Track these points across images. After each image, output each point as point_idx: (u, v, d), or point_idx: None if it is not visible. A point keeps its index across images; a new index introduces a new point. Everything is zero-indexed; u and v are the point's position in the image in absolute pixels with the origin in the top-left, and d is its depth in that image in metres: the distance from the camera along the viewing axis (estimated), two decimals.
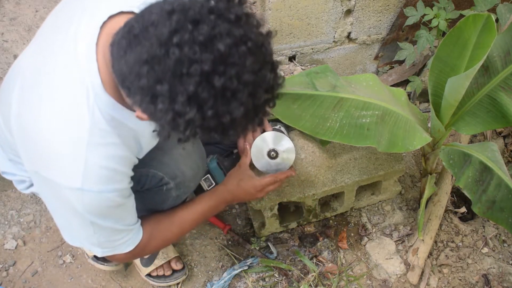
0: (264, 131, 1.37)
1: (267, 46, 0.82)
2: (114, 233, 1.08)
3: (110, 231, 1.07)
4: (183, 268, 1.59)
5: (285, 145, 1.36)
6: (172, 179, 1.27)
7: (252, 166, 1.38)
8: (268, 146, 1.35)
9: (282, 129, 1.44)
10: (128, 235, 1.12)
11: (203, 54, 0.73)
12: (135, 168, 1.21)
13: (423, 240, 1.60)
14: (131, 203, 1.11)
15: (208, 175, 1.47)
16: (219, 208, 1.34)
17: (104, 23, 0.92)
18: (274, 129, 1.39)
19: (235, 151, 1.62)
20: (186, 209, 1.29)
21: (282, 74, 2.07)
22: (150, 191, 1.29)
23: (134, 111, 0.95)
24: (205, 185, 1.48)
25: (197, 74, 0.73)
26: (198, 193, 1.52)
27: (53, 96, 0.94)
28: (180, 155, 1.28)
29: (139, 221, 1.16)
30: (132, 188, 1.24)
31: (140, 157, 1.11)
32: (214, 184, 1.48)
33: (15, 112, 0.98)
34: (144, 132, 1.07)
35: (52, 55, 0.97)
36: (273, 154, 1.36)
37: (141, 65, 0.76)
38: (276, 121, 1.56)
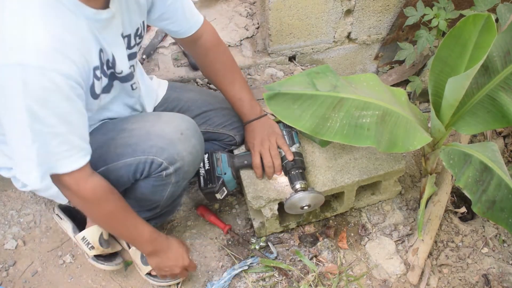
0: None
1: None
2: (53, 137, 1.04)
3: (49, 133, 1.03)
4: None
5: (317, 198, 1.50)
6: (172, 164, 1.27)
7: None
8: (305, 201, 1.49)
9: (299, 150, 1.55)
10: (69, 148, 1.07)
11: None
12: (134, 156, 1.22)
13: (423, 240, 1.60)
14: (79, 105, 1.07)
15: (224, 187, 1.52)
16: (145, 245, 1.36)
17: None
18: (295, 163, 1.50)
19: (233, 148, 1.63)
20: (138, 219, 1.30)
21: (282, 74, 2.07)
22: (149, 178, 1.30)
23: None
24: (219, 196, 1.53)
25: None
26: (210, 199, 1.55)
27: None
28: (178, 139, 1.28)
29: (90, 153, 1.13)
30: (131, 177, 1.26)
31: (86, 61, 1.09)
32: (226, 192, 1.53)
33: None
34: (91, 28, 1.08)
35: None
36: (305, 208, 1.51)
37: None
38: (278, 122, 1.57)
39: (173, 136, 1.28)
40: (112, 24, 1.15)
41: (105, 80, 1.20)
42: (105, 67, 1.18)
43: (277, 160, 1.50)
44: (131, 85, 1.32)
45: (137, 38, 1.31)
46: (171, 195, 1.38)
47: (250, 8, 2.17)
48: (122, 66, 1.24)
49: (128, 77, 1.29)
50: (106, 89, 1.24)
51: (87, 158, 1.12)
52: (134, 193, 1.38)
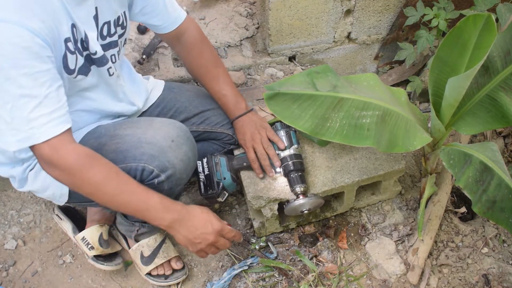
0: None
1: None
2: (27, 102, 1.01)
3: (22, 96, 1.00)
4: (183, 267, 1.58)
5: (317, 202, 1.51)
6: (163, 171, 1.27)
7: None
8: (305, 207, 1.49)
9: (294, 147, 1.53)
10: (45, 114, 1.03)
11: None
12: (125, 163, 1.20)
13: (423, 240, 1.60)
14: (51, 67, 1.04)
15: (224, 191, 1.52)
16: (160, 215, 1.19)
17: None
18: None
19: (232, 147, 1.63)
20: (140, 186, 1.18)
21: (282, 74, 2.07)
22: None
23: None
24: (220, 199, 1.53)
25: None
26: (211, 202, 1.55)
27: None
28: (169, 147, 1.28)
29: (70, 121, 1.09)
30: None
31: (56, 27, 1.08)
32: (227, 194, 1.53)
33: None
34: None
35: None
36: (305, 212, 1.52)
37: None
38: (277, 122, 1.57)
39: (164, 143, 1.27)
40: (85, 3, 1.15)
41: (80, 59, 1.19)
42: (79, 45, 1.17)
43: (270, 150, 1.50)
44: (108, 70, 1.30)
45: (119, 28, 1.31)
46: None
47: (250, 8, 2.17)
48: (96, 46, 1.22)
49: (103, 60, 1.26)
50: (83, 71, 1.21)
51: (67, 125, 1.08)
52: None
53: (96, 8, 1.20)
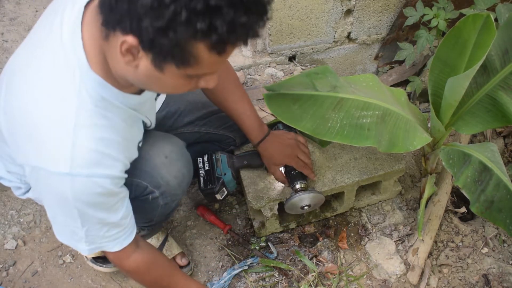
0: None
1: None
2: (103, 226, 1.05)
3: (99, 223, 1.04)
4: (188, 264, 1.58)
5: (317, 198, 1.50)
6: (156, 188, 1.25)
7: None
8: (305, 202, 1.49)
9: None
10: (118, 231, 1.09)
11: None
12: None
13: (423, 240, 1.60)
14: (124, 194, 1.08)
15: (224, 188, 1.50)
16: None
17: (88, 3, 0.91)
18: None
19: (231, 148, 1.63)
20: (185, 281, 1.31)
21: (282, 74, 2.07)
22: (137, 199, 1.27)
23: (121, 90, 0.95)
24: (219, 196, 1.52)
25: None
26: (210, 199, 1.54)
27: (40, 80, 0.92)
28: (162, 163, 1.25)
29: (135, 226, 1.15)
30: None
31: (133, 143, 1.10)
32: (226, 192, 1.52)
33: (2, 105, 0.97)
34: (134, 113, 1.06)
35: (38, 44, 0.96)
36: (306, 208, 1.51)
37: None
38: (278, 122, 1.57)
39: (157, 160, 1.25)
40: (149, 99, 1.15)
41: None
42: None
43: (308, 159, 1.50)
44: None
45: None
46: (162, 214, 1.36)
47: None
48: (153, 122, 1.24)
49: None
50: None
51: (132, 237, 1.13)
52: None
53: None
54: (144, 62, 0.83)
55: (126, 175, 1.06)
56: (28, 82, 0.94)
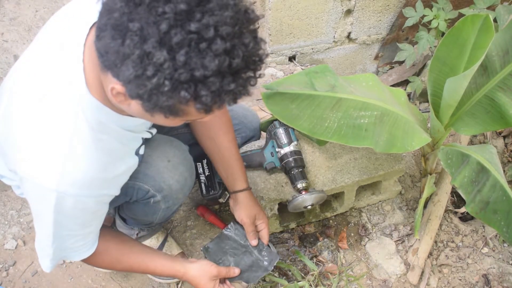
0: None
1: (251, 14, 0.80)
2: (71, 238, 1.06)
3: (68, 236, 1.05)
4: None
5: (320, 197, 1.50)
6: (158, 192, 1.24)
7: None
8: (308, 202, 1.49)
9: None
10: (84, 243, 1.09)
11: None
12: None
13: (419, 239, 1.59)
14: (104, 210, 1.08)
15: (225, 191, 1.50)
16: (170, 275, 1.31)
17: (93, 24, 0.91)
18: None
19: None
20: (145, 256, 1.26)
21: (282, 74, 2.07)
22: (139, 203, 1.28)
23: (120, 113, 0.95)
24: (222, 200, 1.53)
25: (171, 13, 0.71)
26: (212, 203, 1.54)
27: (39, 101, 0.92)
28: (165, 167, 1.25)
29: (97, 237, 1.14)
30: (121, 199, 1.22)
31: (129, 162, 1.10)
32: (228, 195, 1.49)
33: (2, 112, 0.99)
34: (131, 134, 1.06)
35: (46, 57, 0.96)
36: (309, 207, 1.51)
37: (115, 12, 0.74)
38: (275, 120, 1.57)
39: (159, 163, 1.24)
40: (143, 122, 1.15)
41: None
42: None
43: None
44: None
45: None
46: (163, 216, 1.36)
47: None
48: (154, 131, 1.24)
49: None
50: None
51: (93, 248, 1.13)
52: (128, 212, 1.38)
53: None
54: (135, 105, 0.84)
55: (112, 193, 1.06)
56: (29, 98, 0.94)
